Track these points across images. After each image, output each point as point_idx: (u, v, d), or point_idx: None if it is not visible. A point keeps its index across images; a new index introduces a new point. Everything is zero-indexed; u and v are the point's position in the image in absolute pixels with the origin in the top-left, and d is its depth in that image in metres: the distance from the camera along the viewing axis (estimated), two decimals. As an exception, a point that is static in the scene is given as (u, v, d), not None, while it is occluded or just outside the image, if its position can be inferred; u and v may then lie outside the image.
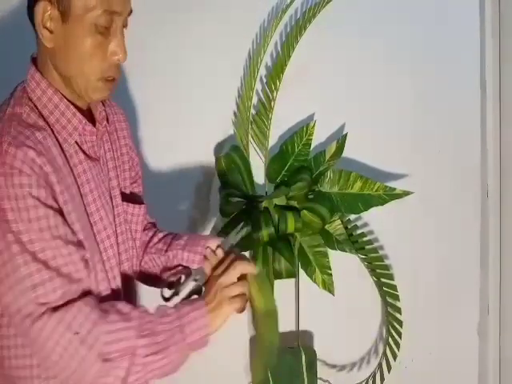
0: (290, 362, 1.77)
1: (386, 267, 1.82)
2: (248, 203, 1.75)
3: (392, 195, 1.73)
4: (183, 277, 1.10)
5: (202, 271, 1.10)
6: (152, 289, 1.20)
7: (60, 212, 0.92)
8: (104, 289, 1.01)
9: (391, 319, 1.81)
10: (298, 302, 1.86)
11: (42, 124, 0.95)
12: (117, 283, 1.05)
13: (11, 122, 0.92)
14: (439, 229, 2.04)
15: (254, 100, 1.80)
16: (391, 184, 1.75)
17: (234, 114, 1.83)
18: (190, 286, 1.07)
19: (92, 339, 0.88)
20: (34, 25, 0.95)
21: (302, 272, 1.81)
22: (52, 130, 0.97)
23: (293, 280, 1.83)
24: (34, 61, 1.01)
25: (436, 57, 1.99)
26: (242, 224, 1.30)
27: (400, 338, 1.80)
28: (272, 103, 1.78)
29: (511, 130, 1.99)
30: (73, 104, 1.00)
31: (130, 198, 1.16)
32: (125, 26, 1.00)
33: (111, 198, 1.08)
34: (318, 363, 1.83)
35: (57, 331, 0.87)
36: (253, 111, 1.80)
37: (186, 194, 1.80)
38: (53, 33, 0.93)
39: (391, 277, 1.82)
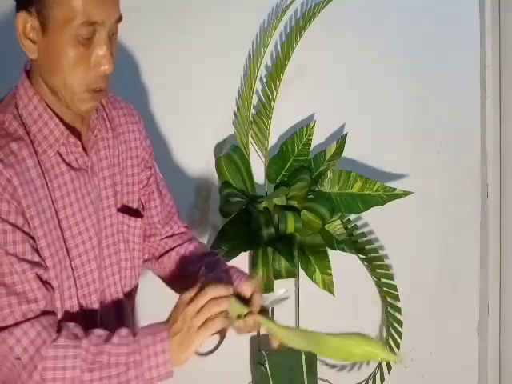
0: (290, 362, 1.76)
1: (386, 267, 1.82)
2: (248, 203, 1.75)
3: (392, 195, 1.73)
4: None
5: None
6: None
7: (21, 229, 0.89)
8: (70, 307, 0.96)
9: (391, 319, 1.81)
10: (297, 302, 1.86)
11: (21, 133, 0.93)
12: (92, 300, 1.00)
13: None
14: (439, 229, 2.04)
15: (254, 100, 1.80)
16: (391, 184, 1.76)
17: (234, 114, 1.83)
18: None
19: (33, 365, 0.84)
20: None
21: (301, 272, 1.81)
22: (32, 140, 0.94)
23: (293, 280, 1.83)
24: (27, 69, 0.99)
25: (436, 57, 1.99)
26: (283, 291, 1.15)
27: (400, 337, 1.80)
28: (272, 103, 1.78)
29: (511, 130, 1.99)
30: (59, 115, 0.97)
31: (131, 210, 1.10)
32: (114, 33, 0.94)
33: (100, 209, 1.03)
34: (318, 363, 1.83)
35: (0, 353, 0.85)
36: (253, 111, 1.80)
37: (186, 194, 1.80)
38: (35, 43, 0.91)
39: (391, 277, 1.82)
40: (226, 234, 1.72)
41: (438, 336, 2.05)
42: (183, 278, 1.14)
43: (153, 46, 1.75)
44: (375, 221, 1.94)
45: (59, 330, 0.88)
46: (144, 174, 1.14)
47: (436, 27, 1.98)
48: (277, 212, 1.72)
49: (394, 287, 1.82)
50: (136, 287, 1.12)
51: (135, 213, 1.10)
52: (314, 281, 1.80)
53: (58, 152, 0.96)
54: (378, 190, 1.73)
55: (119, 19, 0.93)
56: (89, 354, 0.85)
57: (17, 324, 0.85)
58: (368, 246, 1.83)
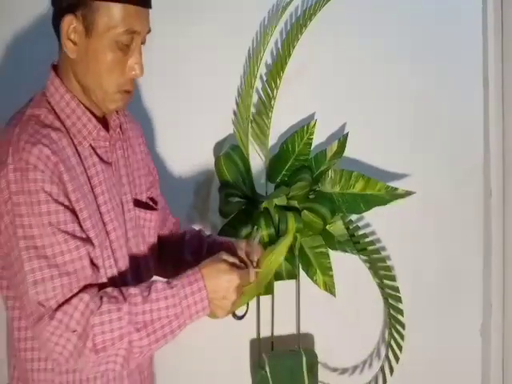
0: (290, 365, 1.74)
1: (389, 268, 1.81)
2: (248, 203, 1.73)
3: (394, 195, 1.71)
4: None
5: None
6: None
7: (71, 209, 0.96)
8: (111, 284, 1.03)
9: (393, 321, 1.79)
10: (298, 304, 1.84)
11: (58, 125, 1.01)
12: (125, 282, 1.08)
13: (29, 122, 0.98)
14: (442, 229, 2.03)
15: (254, 98, 1.78)
16: (392, 184, 1.74)
17: (234, 113, 1.81)
18: None
19: (86, 334, 0.92)
20: (58, 35, 1.03)
21: (302, 273, 1.79)
22: (68, 132, 1.03)
23: (293, 281, 1.81)
24: (55, 68, 1.07)
25: (437, 56, 1.99)
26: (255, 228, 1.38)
27: (402, 340, 1.78)
28: (272, 102, 1.76)
29: (514, 130, 1.99)
30: (89, 110, 1.06)
31: (143, 204, 1.19)
32: (143, 42, 1.07)
33: (122, 203, 1.12)
34: (319, 366, 1.81)
35: (55, 334, 0.91)
36: (253, 110, 1.79)
37: (185, 193, 1.78)
38: (76, 45, 1.00)
39: (393, 278, 1.80)
40: (225, 234, 1.70)
41: (441, 337, 2.04)
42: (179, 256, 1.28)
43: (153, 45, 1.72)
44: (377, 221, 1.92)
45: (100, 298, 0.96)
46: (148, 179, 1.24)
47: (437, 26, 1.98)
48: (277, 212, 1.70)
49: (397, 289, 1.81)
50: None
51: (149, 207, 1.20)
52: (315, 282, 1.78)
53: (90, 145, 1.06)
54: (380, 189, 1.71)
55: (149, 31, 1.08)
56: (132, 315, 0.94)
57: (68, 301, 0.92)
58: (370, 247, 1.81)
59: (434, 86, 1.99)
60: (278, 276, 1.73)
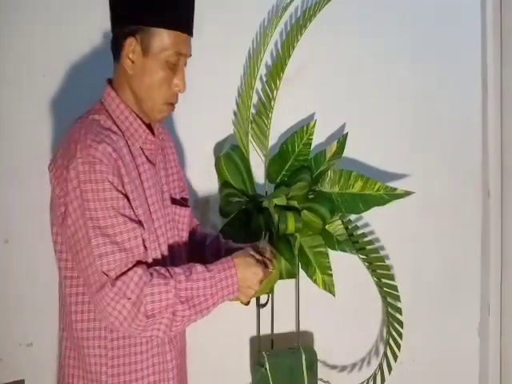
0: (290, 363, 1.75)
1: (387, 267, 1.82)
2: (248, 203, 1.74)
3: (393, 195, 1.72)
4: None
5: None
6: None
7: (127, 198, 1.15)
8: (155, 264, 1.20)
9: (392, 320, 1.80)
10: (298, 303, 1.85)
11: (115, 129, 1.20)
12: (165, 265, 1.22)
13: (92, 125, 1.16)
14: (440, 229, 2.03)
15: (254, 99, 1.79)
16: (391, 184, 1.75)
17: (234, 113, 1.82)
18: None
19: (139, 302, 1.09)
20: (114, 54, 1.23)
21: (302, 272, 1.80)
22: (123, 134, 1.22)
23: (293, 280, 1.82)
24: (110, 82, 1.27)
25: (437, 56, 1.99)
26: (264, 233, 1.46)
27: (401, 338, 1.79)
28: (272, 102, 1.77)
29: (512, 130, 1.99)
30: (139, 118, 1.25)
31: (178, 201, 1.37)
32: (185, 64, 1.27)
33: (162, 198, 1.30)
34: (319, 364, 1.82)
35: (114, 299, 1.08)
36: (253, 110, 1.79)
37: (185, 193, 1.79)
38: (133, 63, 1.20)
39: (392, 277, 1.81)
40: (225, 234, 1.71)
41: (439, 336, 2.05)
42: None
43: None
44: (376, 221, 1.93)
45: (151, 273, 1.13)
46: (180, 183, 1.42)
47: (436, 27, 1.98)
48: (277, 212, 1.71)
49: (395, 287, 1.82)
50: None
51: (183, 204, 1.38)
52: (315, 281, 1.79)
53: (140, 147, 1.25)
54: (379, 189, 1.72)
55: (190, 55, 1.28)
56: (177, 290, 1.12)
57: (125, 273, 1.10)
58: (369, 247, 1.82)
59: (433, 87, 1.99)
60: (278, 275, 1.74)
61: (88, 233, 1.10)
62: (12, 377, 1.68)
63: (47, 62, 1.66)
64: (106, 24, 1.70)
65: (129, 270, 1.11)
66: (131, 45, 1.19)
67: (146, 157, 1.27)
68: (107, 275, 1.09)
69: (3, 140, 1.66)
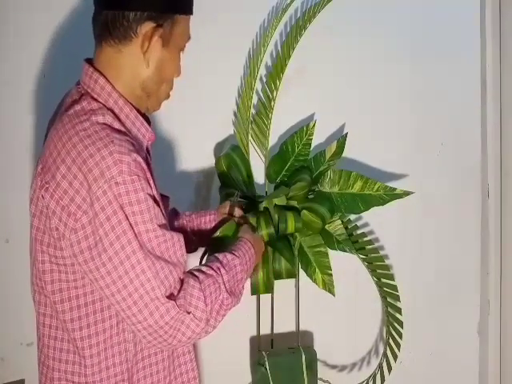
0: (290, 362, 1.76)
1: (387, 267, 1.82)
2: (248, 203, 1.74)
3: (392, 195, 1.72)
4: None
5: None
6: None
7: (158, 203, 1.01)
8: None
9: (392, 319, 1.80)
10: (298, 303, 1.86)
11: (124, 130, 1.01)
12: None
13: (106, 131, 0.96)
14: (439, 229, 2.04)
15: (254, 100, 1.79)
16: (391, 184, 1.75)
17: (234, 114, 1.82)
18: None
19: (209, 311, 1.03)
20: (108, 36, 1.02)
21: (302, 272, 1.80)
22: (132, 136, 1.03)
23: (293, 280, 1.82)
24: (91, 65, 1.05)
25: (436, 56, 1.99)
26: (236, 193, 1.56)
27: (400, 338, 1.79)
28: (272, 103, 1.77)
29: None
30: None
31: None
32: None
33: None
34: (319, 363, 1.83)
35: (178, 318, 0.99)
36: (253, 111, 1.80)
37: (186, 193, 1.80)
38: (147, 53, 1.02)
39: (392, 277, 1.81)
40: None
41: (439, 336, 2.05)
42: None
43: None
44: (375, 221, 1.94)
45: (197, 277, 1.05)
46: None
47: (436, 27, 1.99)
48: (277, 212, 1.71)
49: (395, 287, 1.81)
50: None
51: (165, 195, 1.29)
52: (314, 281, 1.79)
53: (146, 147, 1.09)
54: (379, 189, 1.72)
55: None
56: (224, 284, 1.07)
57: (181, 288, 1.00)
58: (368, 246, 1.82)
59: (433, 87, 2.00)
60: (278, 275, 1.74)
61: (137, 257, 0.95)
62: (12, 376, 1.68)
63: (47, 62, 1.66)
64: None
65: (183, 282, 1.01)
66: (154, 34, 1.00)
67: (150, 154, 1.14)
68: (168, 296, 0.98)
69: (3, 140, 1.66)
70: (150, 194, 0.97)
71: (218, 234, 1.37)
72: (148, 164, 1.05)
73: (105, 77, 1.02)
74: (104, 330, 1.04)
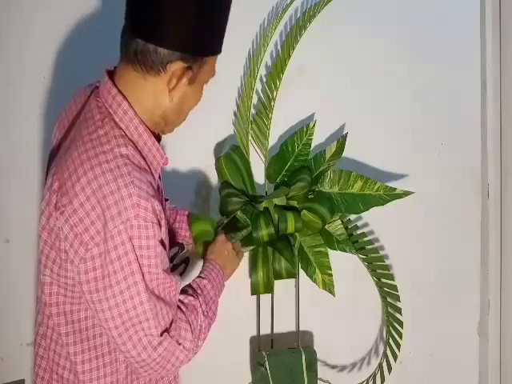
0: (290, 363, 1.76)
1: (387, 267, 1.82)
2: (248, 203, 1.74)
3: (392, 195, 1.72)
4: (181, 255, 1.45)
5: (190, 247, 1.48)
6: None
7: (165, 248, 1.04)
8: None
9: (392, 319, 1.80)
10: (298, 303, 1.86)
11: (143, 164, 1.02)
12: None
13: (128, 168, 0.97)
14: (440, 229, 2.04)
15: (254, 100, 1.79)
16: (391, 184, 1.75)
17: (234, 113, 1.82)
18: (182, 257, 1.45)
19: (194, 341, 1.10)
20: (140, 66, 1.01)
21: (302, 272, 1.81)
22: (149, 167, 1.04)
23: (293, 280, 1.83)
24: (113, 82, 1.05)
25: (436, 57, 1.99)
26: (246, 229, 1.62)
27: (400, 338, 1.79)
28: (272, 103, 1.77)
29: (512, 130, 1.99)
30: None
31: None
32: None
33: None
34: (319, 363, 1.83)
35: (169, 350, 1.04)
36: (253, 111, 1.80)
37: (186, 193, 1.80)
38: (174, 89, 1.03)
39: (391, 277, 1.81)
40: (226, 234, 1.71)
41: (439, 336, 2.05)
42: None
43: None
44: (376, 221, 1.94)
45: (182, 310, 1.11)
46: None
47: (436, 27, 1.99)
48: (277, 212, 1.72)
49: (395, 287, 1.81)
50: None
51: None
52: (315, 281, 1.79)
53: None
54: (379, 190, 1.72)
55: None
56: (204, 312, 1.14)
57: (174, 325, 1.06)
58: (368, 246, 1.82)
59: (433, 87, 2.00)
60: (278, 275, 1.75)
61: (141, 298, 0.99)
62: (12, 376, 1.68)
63: (47, 62, 1.66)
64: (107, 24, 1.71)
65: (175, 319, 1.07)
66: (184, 75, 1.02)
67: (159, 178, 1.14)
68: (165, 331, 1.03)
69: (3, 140, 1.66)
70: (159, 240, 1.00)
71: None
72: (159, 189, 1.08)
73: (127, 100, 1.03)
74: (95, 346, 1.07)
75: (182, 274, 1.47)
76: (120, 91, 1.03)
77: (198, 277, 1.23)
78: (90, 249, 0.96)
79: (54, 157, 1.11)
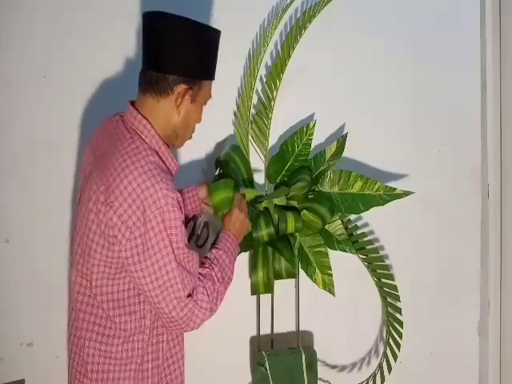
0: (290, 363, 1.76)
1: (387, 267, 1.82)
2: (248, 203, 1.74)
3: (392, 195, 1.72)
4: (198, 223, 1.65)
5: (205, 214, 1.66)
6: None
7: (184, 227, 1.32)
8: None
9: (392, 319, 1.80)
10: (298, 303, 1.86)
11: (165, 167, 1.33)
12: None
13: (157, 170, 1.27)
14: (440, 229, 2.04)
15: (254, 100, 1.79)
16: (391, 184, 1.75)
17: (234, 113, 1.82)
18: (200, 224, 1.65)
19: (212, 303, 1.34)
20: (154, 90, 1.32)
21: (302, 272, 1.81)
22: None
23: (293, 280, 1.83)
24: (133, 105, 1.37)
25: (436, 57, 1.99)
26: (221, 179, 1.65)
27: (400, 338, 1.80)
28: (272, 103, 1.77)
29: None
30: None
31: None
32: None
33: None
34: (319, 363, 1.83)
35: (194, 311, 1.30)
36: (253, 111, 1.80)
37: (185, 193, 1.79)
38: (180, 106, 1.34)
39: (391, 277, 1.82)
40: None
41: (439, 336, 2.05)
42: None
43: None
44: (376, 221, 1.94)
45: (203, 277, 1.36)
46: None
47: (436, 27, 1.99)
48: (277, 212, 1.72)
49: (395, 287, 1.82)
50: None
51: None
52: (315, 281, 1.79)
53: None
54: (379, 190, 1.73)
55: None
56: (220, 279, 1.38)
57: (196, 290, 1.31)
58: (368, 246, 1.82)
59: (433, 87, 2.00)
60: (278, 275, 1.75)
61: (172, 265, 1.26)
62: (12, 376, 1.68)
63: (47, 62, 1.66)
64: (106, 25, 1.71)
65: (197, 286, 1.32)
66: (186, 94, 1.33)
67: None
68: (189, 295, 1.29)
69: (3, 140, 1.66)
70: (182, 221, 1.28)
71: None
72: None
73: (149, 121, 1.33)
74: (130, 312, 1.35)
75: (208, 237, 1.66)
76: (143, 116, 1.33)
77: (215, 248, 1.46)
78: (134, 231, 1.24)
79: (85, 170, 1.39)
